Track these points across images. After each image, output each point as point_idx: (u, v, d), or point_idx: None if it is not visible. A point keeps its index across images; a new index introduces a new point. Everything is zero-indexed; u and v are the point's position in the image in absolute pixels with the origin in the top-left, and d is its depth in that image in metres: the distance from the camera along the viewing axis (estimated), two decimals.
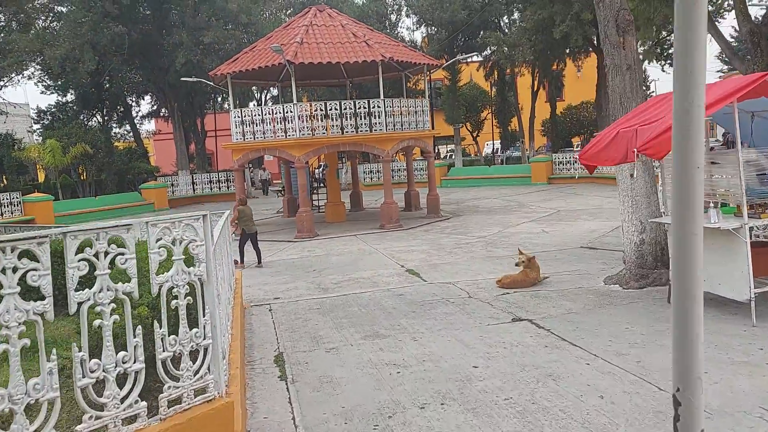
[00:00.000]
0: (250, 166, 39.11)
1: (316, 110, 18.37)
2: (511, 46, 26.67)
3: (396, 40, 24.10)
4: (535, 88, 35.67)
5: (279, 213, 25.29)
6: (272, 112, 18.68)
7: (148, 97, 43.15)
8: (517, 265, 9.95)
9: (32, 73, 36.90)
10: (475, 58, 39.63)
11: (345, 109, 18.47)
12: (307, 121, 18.40)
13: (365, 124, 18.62)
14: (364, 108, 18.61)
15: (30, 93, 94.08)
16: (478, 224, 18.17)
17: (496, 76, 38.45)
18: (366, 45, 18.74)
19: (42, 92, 74.45)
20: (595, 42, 26.38)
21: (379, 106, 18.62)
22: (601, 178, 27.47)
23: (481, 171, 33.20)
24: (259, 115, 18.90)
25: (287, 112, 18.31)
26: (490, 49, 36.69)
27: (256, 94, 41.77)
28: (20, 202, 26.16)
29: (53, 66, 27.35)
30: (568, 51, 29.85)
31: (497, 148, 41.96)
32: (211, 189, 34.27)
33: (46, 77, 41.79)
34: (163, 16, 29.56)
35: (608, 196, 22.24)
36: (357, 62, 18.16)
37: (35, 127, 43.67)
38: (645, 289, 8.98)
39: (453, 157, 41.84)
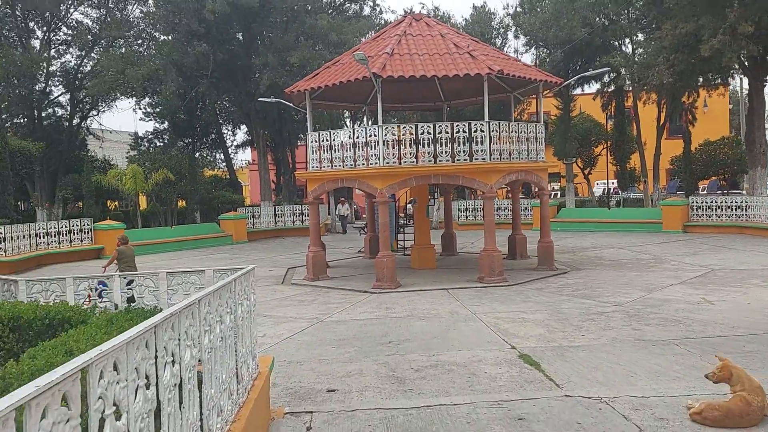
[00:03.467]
0: (342, 198, 36.57)
1: (404, 134, 15.14)
2: (644, 67, 22.44)
3: (506, 54, 20.63)
4: (662, 121, 30.95)
5: (360, 253, 22.14)
6: (352, 136, 15.62)
7: (244, 126, 41.99)
8: (709, 377, 5.99)
9: (136, 102, 36.42)
10: (590, 88, 35.44)
11: (439, 132, 15.12)
12: (393, 147, 15.18)
13: (464, 151, 15.16)
14: (464, 132, 15.17)
15: (137, 122, 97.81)
16: (608, 284, 14.12)
17: (613, 107, 34.01)
18: (470, 56, 15.40)
19: (141, 119, 76.22)
20: (756, 60, 21.67)
21: (482, 130, 15.13)
22: (751, 228, 22.50)
23: (598, 214, 28.74)
24: (338, 139, 15.90)
25: (370, 136, 15.19)
26: (609, 76, 32.50)
27: (347, 123, 39.43)
28: (91, 230, 24.53)
29: (135, 86, 25.92)
30: (710, 75, 25.28)
31: (614, 187, 37.11)
32: (293, 222, 31.77)
33: (146, 105, 41.78)
34: (250, 36, 27.69)
35: None
36: (458, 76, 14.80)
37: (132, 153, 43.46)
38: None
39: (560, 196, 37.47)
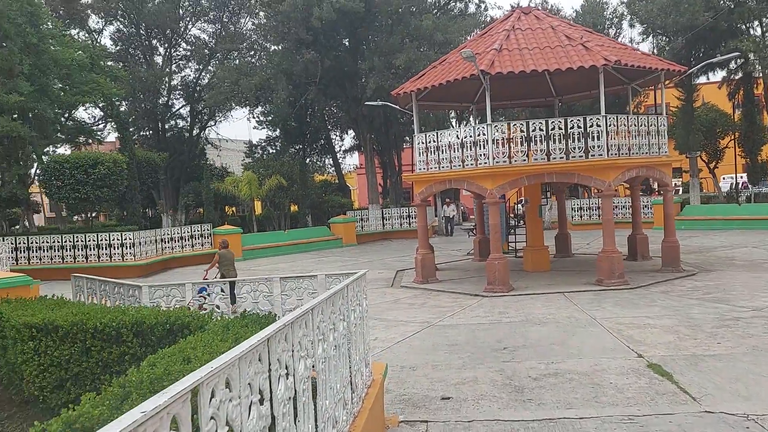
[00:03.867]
0: (448, 199, 36.19)
1: (514, 131, 14.61)
2: None
3: (622, 43, 19.47)
4: None
5: (469, 255, 21.72)
6: (460, 136, 15.28)
7: (351, 132, 42.70)
8: None
9: (249, 111, 38.05)
10: (714, 77, 32.96)
11: (552, 128, 14.45)
12: (503, 145, 14.70)
13: (579, 148, 14.40)
14: (579, 127, 14.42)
15: (251, 130, 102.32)
16: (743, 287, 12.91)
17: (741, 96, 31.37)
18: (583, 48, 14.63)
19: (255, 127, 79.30)
20: None
21: (599, 125, 14.31)
22: None
23: (726, 210, 26.58)
24: (445, 139, 15.63)
25: (478, 135, 14.78)
26: (735, 63, 30.02)
27: (453, 123, 39.02)
28: (210, 234, 25.76)
29: (248, 96, 26.98)
30: None
31: (743, 182, 34.24)
32: (401, 225, 31.80)
33: (259, 114, 43.57)
34: (356, 41, 28.01)
35: None
36: (571, 70, 14.10)
37: (247, 161, 45.39)
38: None
39: (681, 192, 35.07)
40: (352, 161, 68.39)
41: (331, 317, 3.67)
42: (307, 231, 29.83)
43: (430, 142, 15.94)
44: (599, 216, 30.92)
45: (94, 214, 40.85)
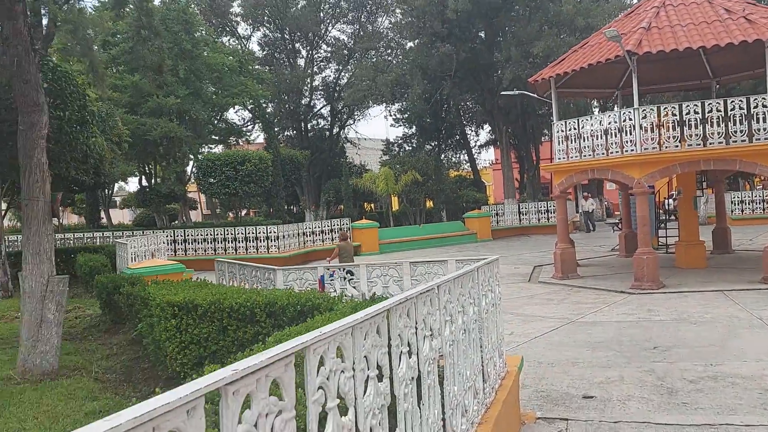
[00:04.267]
0: (586, 193, 34.38)
1: (665, 115, 13.46)
2: None
3: None
4: None
5: (614, 251, 20.45)
6: (604, 122, 14.36)
7: (487, 126, 42.04)
8: None
9: (386, 108, 38.80)
10: None
11: (709, 111, 13.16)
12: (651, 131, 13.60)
13: (741, 131, 12.98)
14: (740, 109, 13.00)
15: (388, 129, 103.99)
16: None
17: None
18: (745, 21, 13.17)
19: (391, 125, 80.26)
20: None
21: (765, 105, 12.82)
22: None
23: None
24: (587, 126, 14.76)
25: (624, 121, 13.80)
26: None
27: (595, 113, 37.06)
28: (349, 228, 26.40)
29: (384, 92, 27.35)
30: None
31: None
32: (538, 220, 30.71)
33: (396, 111, 44.18)
34: (492, 32, 27.41)
35: None
36: (731, 45, 12.74)
37: (384, 158, 46.26)
38: None
39: None
40: (487, 156, 67.52)
41: (460, 299, 3.45)
42: (441, 226, 29.72)
43: (570, 129, 15.14)
44: (764, 210, 28.00)
45: (244, 212, 43.68)
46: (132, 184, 41.78)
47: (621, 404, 6.33)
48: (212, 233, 22.90)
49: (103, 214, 32.65)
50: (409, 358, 2.47)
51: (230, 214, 49.83)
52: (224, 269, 8.76)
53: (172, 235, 23.15)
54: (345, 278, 6.31)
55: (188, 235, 23.07)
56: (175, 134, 21.20)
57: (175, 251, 23.04)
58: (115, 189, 46.04)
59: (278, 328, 5.04)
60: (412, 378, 2.47)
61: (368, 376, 2.05)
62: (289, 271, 6.79)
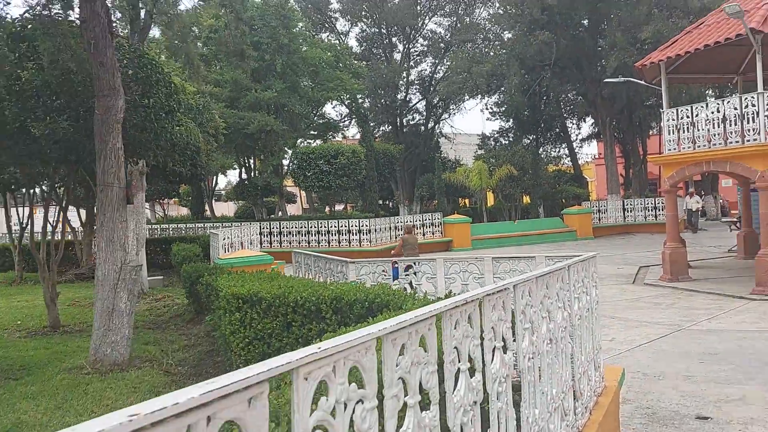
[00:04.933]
0: (692, 190, 31.57)
1: None
2: None
3: None
4: None
5: (732, 253, 18.69)
6: (721, 109, 12.98)
7: (589, 119, 40.13)
8: None
9: (481, 100, 37.94)
10: None
11: None
12: None
13: None
14: None
15: (484, 123, 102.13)
16: None
17: None
18: None
19: (488, 119, 78.70)
20: None
21: None
22: None
23: None
24: (702, 114, 13.43)
25: (746, 107, 12.40)
26: None
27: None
28: (441, 223, 25.86)
29: (479, 83, 26.52)
30: None
31: None
32: (645, 217, 28.77)
33: (492, 105, 43.08)
34: (596, 18, 25.86)
35: None
36: None
37: (479, 152, 45.30)
38: None
39: None
40: (589, 150, 64.68)
41: (545, 302, 2.87)
42: (537, 222, 28.53)
43: (682, 117, 13.85)
44: None
45: (342, 206, 44.14)
46: (235, 177, 43.28)
47: (743, 428, 5.46)
48: (306, 226, 23.05)
49: (207, 206, 33.95)
50: (471, 377, 1.96)
51: (327, 207, 50.68)
52: (300, 261, 8.51)
53: (268, 227, 23.53)
54: (417, 273, 5.81)
55: (282, 227, 23.35)
56: (271, 128, 21.50)
57: (270, 243, 23.42)
58: (223, 183, 47.84)
59: (345, 325, 4.65)
60: (474, 402, 1.96)
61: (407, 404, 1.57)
62: (362, 265, 6.39)
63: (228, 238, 13.14)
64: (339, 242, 22.54)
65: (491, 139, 43.25)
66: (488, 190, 32.62)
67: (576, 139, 42.84)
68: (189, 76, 13.47)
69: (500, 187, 32.05)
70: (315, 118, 30.26)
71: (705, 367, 7.54)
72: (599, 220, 29.02)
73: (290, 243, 23.27)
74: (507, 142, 40.88)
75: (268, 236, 23.41)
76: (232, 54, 19.96)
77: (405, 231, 15.30)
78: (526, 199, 34.95)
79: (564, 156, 43.98)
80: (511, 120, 39.96)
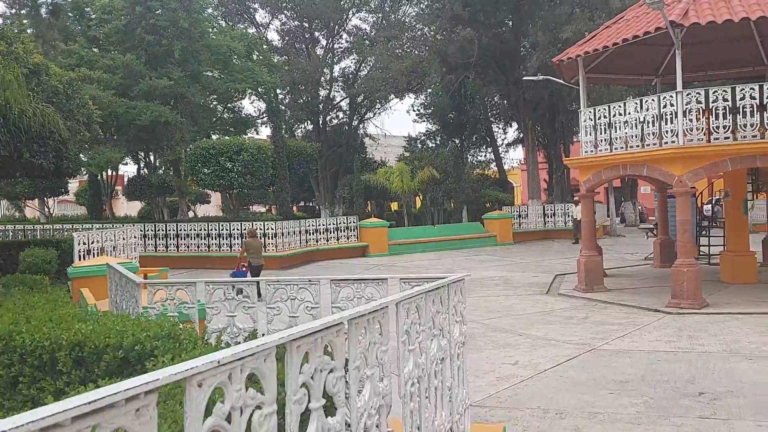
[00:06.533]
0: (576, 199, 31.22)
1: (715, 100, 11.21)
2: None
3: None
4: None
5: (647, 261, 18.17)
6: (639, 108, 12.15)
7: (515, 124, 39.72)
8: None
9: (399, 99, 36.83)
10: None
11: None
12: (698, 119, 11.39)
13: None
14: None
15: (414, 126, 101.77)
16: None
17: None
18: None
19: (414, 120, 78.00)
20: None
21: None
22: None
23: None
24: (619, 113, 12.57)
25: (664, 107, 11.60)
26: None
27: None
28: (356, 227, 24.43)
29: (399, 81, 25.27)
30: None
31: None
32: (565, 223, 28.32)
33: (419, 106, 42.07)
34: (519, 17, 25.10)
35: None
36: None
37: (405, 155, 44.20)
38: None
39: None
40: (516, 156, 65.03)
41: (367, 355, 1.53)
42: (457, 227, 27.57)
43: (600, 118, 12.98)
44: None
45: (266, 208, 42.00)
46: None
47: None
48: (206, 228, 21.13)
49: (105, 206, 31.26)
50: None
51: (251, 208, 48.25)
52: (113, 279, 6.77)
53: (164, 229, 21.49)
54: (236, 298, 4.34)
55: (180, 230, 21.33)
56: (166, 119, 19.49)
57: (166, 247, 21.43)
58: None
59: (91, 382, 3.15)
60: None
61: None
62: (157, 288, 4.82)
63: (85, 243, 11.24)
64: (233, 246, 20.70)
65: (418, 141, 42.36)
66: (411, 193, 31.48)
67: (502, 143, 42.54)
68: (44, 53, 11.56)
69: (423, 190, 31.02)
70: (225, 113, 28.25)
71: (614, 399, 6.42)
72: (519, 225, 28.41)
73: (188, 247, 21.30)
74: (434, 144, 40.03)
75: (164, 239, 21.38)
76: (145, 48, 18.01)
77: (248, 234, 14.79)
78: (454, 204, 34.09)
79: (491, 161, 43.56)
80: (437, 122, 39.11)
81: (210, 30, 24.25)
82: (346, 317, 1.92)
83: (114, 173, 29.87)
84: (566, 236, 27.04)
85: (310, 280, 4.24)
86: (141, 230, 19.55)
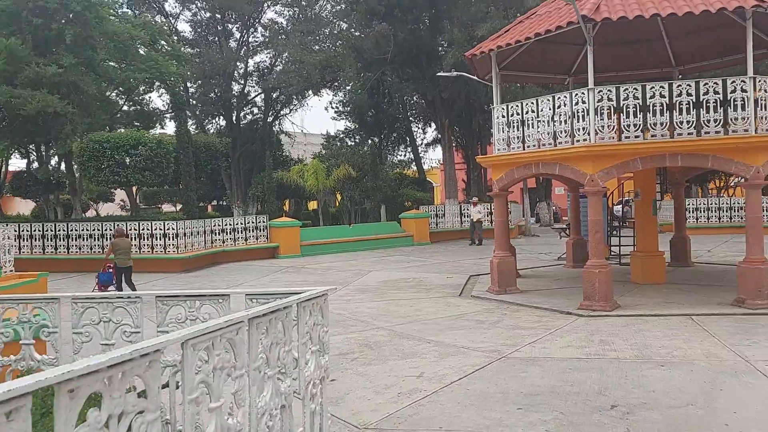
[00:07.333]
0: (475, 199, 31.31)
1: (626, 98, 10.99)
2: None
3: None
4: None
5: (560, 261, 18.11)
6: (552, 105, 11.82)
7: (434, 124, 39.55)
8: None
9: (314, 93, 35.84)
10: None
11: (678, 95, 10.79)
12: (610, 117, 11.16)
13: (715, 120, 10.66)
14: (715, 93, 10.66)
15: (332, 123, 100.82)
16: None
17: None
18: None
19: (333, 118, 77.04)
20: None
21: (744, 90, 10.52)
22: None
23: None
24: (532, 111, 12.22)
25: (576, 104, 11.31)
26: None
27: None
28: (266, 227, 23.27)
29: (312, 76, 24.33)
30: None
31: None
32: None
33: (338, 104, 41.18)
34: (436, 14, 24.72)
35: None
36: (707, 13, 10.32)
37: (323, 152, 43.22)
38: None
39: None
40: (436, 156, 65.31)
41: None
42: (374, 226, 26.93)
43: (512, 115, 12.58)
44: (720, 219, 26.30)
45: (179, 206, 39.79)
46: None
47: None
48: (100, 228, 19.45)
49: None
50: None
51: (162, 207, 45.87)
52: None
53: (53, 229, 19.63)
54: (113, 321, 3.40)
55: (71, 230, 19.55)
56: (54, 109, 17.73)
57: (55, 248, 19.62)
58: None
59: None
60: None
61: None
62: (6, 306, 3.78)
63: None
64: (140, 248, 19.19)
65: (336, 139, 41.50)
66: (326, 191, 30.59)
67: (422, 143, 42.35)
68: None
69: (339, 189, 30.23)
70: (127, 106, 26.41)
71: (523, 416, 5.85)
72: (437, 225, 28.12)
73: (80, 249, 19.57)
74: (353, 143, 39.32)
75: (53, 240, 19.55)
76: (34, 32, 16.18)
77: (116, 234, 14.22)
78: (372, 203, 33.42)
79: (410, 160, 43.28)
80: (355, 120, 38.42)
81: (110, 16, 22.48)
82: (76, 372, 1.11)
83: (4, 168, 27.38)
84: (485, 235, 26.91)
85: (131, 297, 3.34)
86: (16, 230, 17.74)
